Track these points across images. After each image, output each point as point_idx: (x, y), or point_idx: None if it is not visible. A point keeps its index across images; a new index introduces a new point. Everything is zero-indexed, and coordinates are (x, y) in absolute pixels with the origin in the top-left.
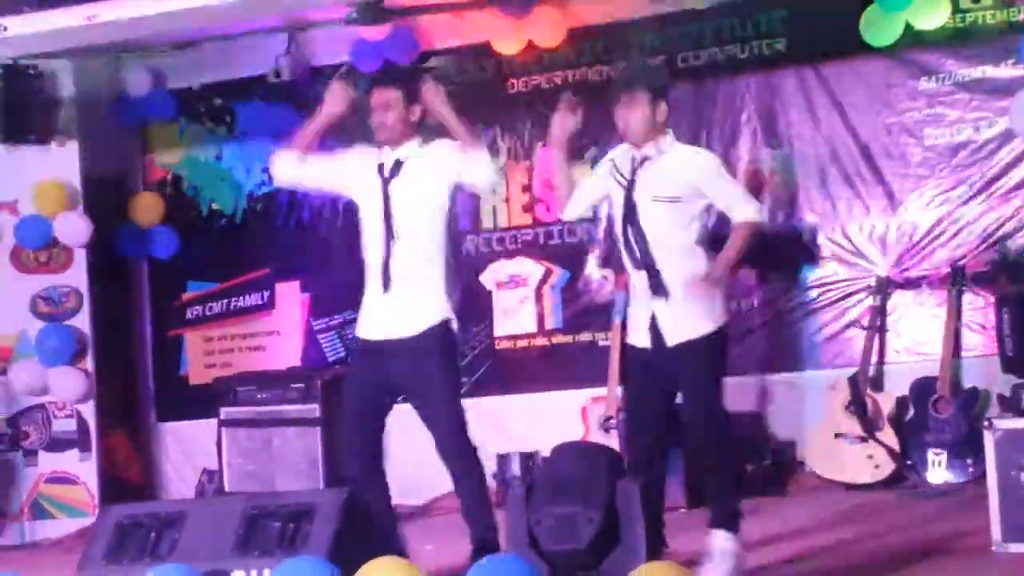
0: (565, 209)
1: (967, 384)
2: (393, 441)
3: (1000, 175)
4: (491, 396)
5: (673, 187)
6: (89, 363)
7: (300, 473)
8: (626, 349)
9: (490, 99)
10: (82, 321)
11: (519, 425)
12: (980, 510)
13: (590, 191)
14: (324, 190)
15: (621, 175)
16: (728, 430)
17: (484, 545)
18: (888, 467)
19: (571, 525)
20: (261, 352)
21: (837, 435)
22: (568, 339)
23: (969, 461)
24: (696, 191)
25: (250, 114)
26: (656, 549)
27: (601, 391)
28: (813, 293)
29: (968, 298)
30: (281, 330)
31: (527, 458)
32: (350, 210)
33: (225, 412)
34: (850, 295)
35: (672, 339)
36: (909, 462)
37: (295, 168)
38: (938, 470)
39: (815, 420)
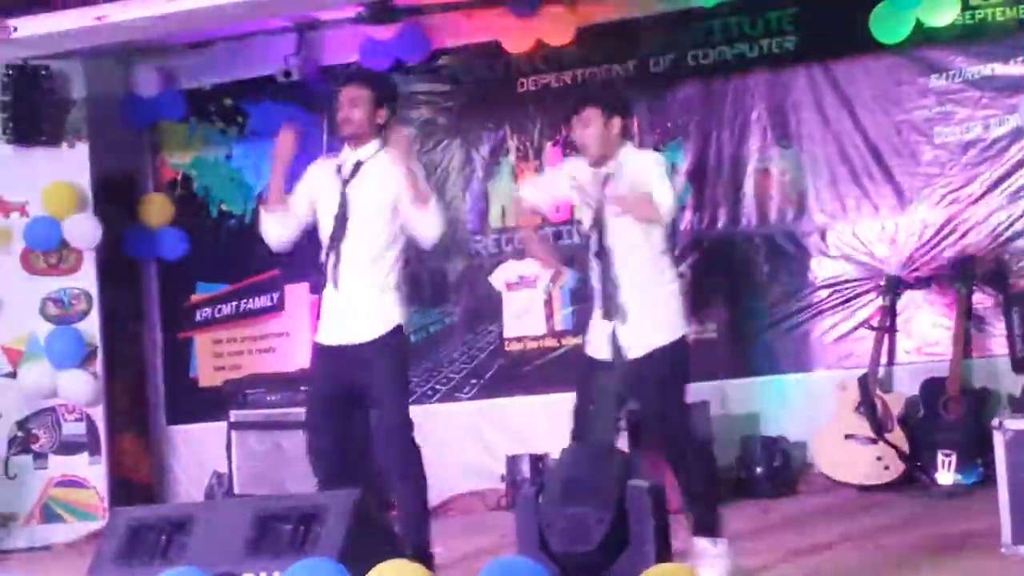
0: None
1: (977, 385)
2: None
3: (1010, 173)
4: (501, 397)
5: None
6: (99, 366)
7: (309, 476)
8: (585, 360)
9: (499, 98)
10: (92, 323)
11: (529, 426)
12: (989, 512)
13: (552, 185)
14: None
15: (586, 194)
16: (691, 438)
17: (418, 556)
18: (897, 468)
19: (581, 526)
20: (271, 354)
21: (847, 436)
22: (578, 340)
23: (979, 462)
24: (647, 181)
25: (260, 114)
26: (665, 551)
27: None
28: (822, 293)
29: (978, 298)
30: (291, 332)
31: (537, 459)
32: None
33: (235, 415)
34: (859, 295)
35: (633, 352)
36: (918, 463)
37: (286, 225)
38: (947, 471)
39: (824, 421)
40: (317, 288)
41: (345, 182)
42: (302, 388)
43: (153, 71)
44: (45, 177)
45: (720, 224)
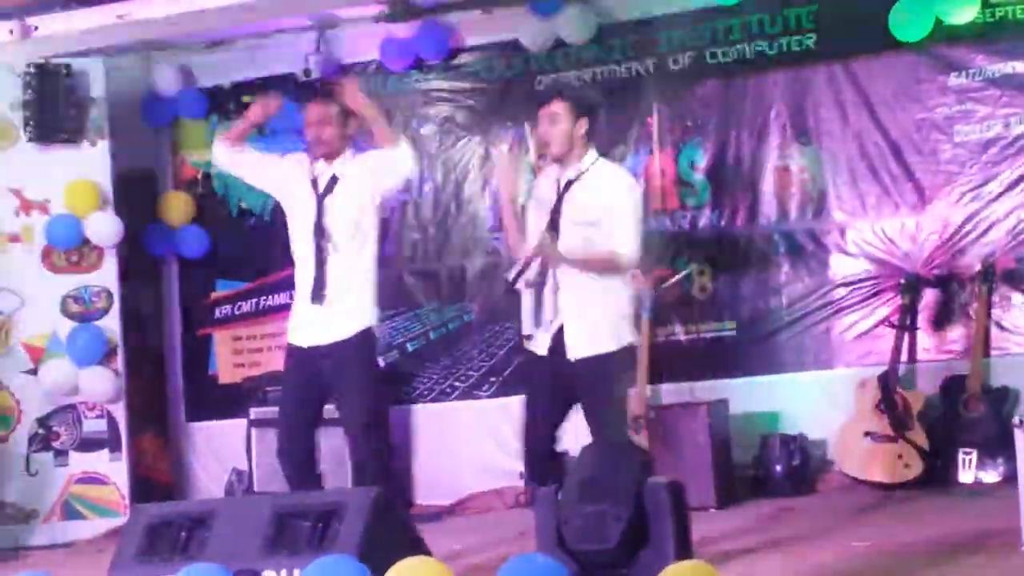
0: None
1: (997, 383)
2: (420, 443)
3: None
4: (518, 395)
5: (594, 211)
6: (119, 363)
7: (329, 472)
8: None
9: (519, 96)
10: (112, 321)
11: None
12: (1010, 510)
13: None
14: (256, 186)
15: (545, 202)
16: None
17: None
18: (918, 466)
19: (600, 524)
20: None
21: (867, 434)
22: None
23: (999, 460)
24: (611, 214)
25: (281, 113)
26: (684, 549)
27: (629, 390)
28: (842, 291)
29: (998, 296)
30: None
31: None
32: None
33: (254, 412)
34: (879, 293)
35: (575, 353)
36: (939, 461)
37: (227, 156)
38: (968, 469)
39: (844, 419)
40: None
41: (321, 196)
42: None
43: (173, 69)
44: (66, 175)
45: (739, 222)
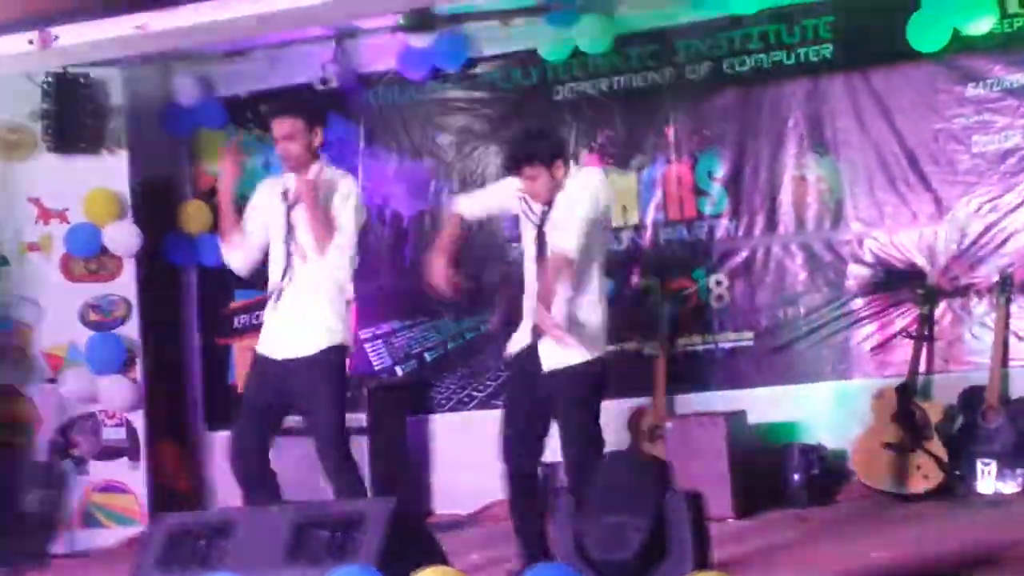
0: (461, 202)
1: (1016, 394)
2: (439, 452)
3: None
4: None
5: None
6: (138, 372)
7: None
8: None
9: (535, 106)
10: (131, 330)
11: None
12: None
13: (493, 200)
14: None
15: (533, 212)
16: (599, 459)
17: None
18: (936, 477)
19: (619, 534)
20: None
21: (885, 445)
22: (614, 348)
23: (1019, 471)
24: (568, 207)
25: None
26: (703, 559)
27: (647, 400)
28: (859, 301)
29: (1017, 307)
30: None
31: None
32: (397, 219)
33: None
34: (897, 303)
35: (549, 364)
36: (958, 472)
37: (243, 257)
38: (987, 480)
39: (862, 429)
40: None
41: (290, 208)
42: None
43: (192, 79)
44: (85, 184)
45: (757, 231)
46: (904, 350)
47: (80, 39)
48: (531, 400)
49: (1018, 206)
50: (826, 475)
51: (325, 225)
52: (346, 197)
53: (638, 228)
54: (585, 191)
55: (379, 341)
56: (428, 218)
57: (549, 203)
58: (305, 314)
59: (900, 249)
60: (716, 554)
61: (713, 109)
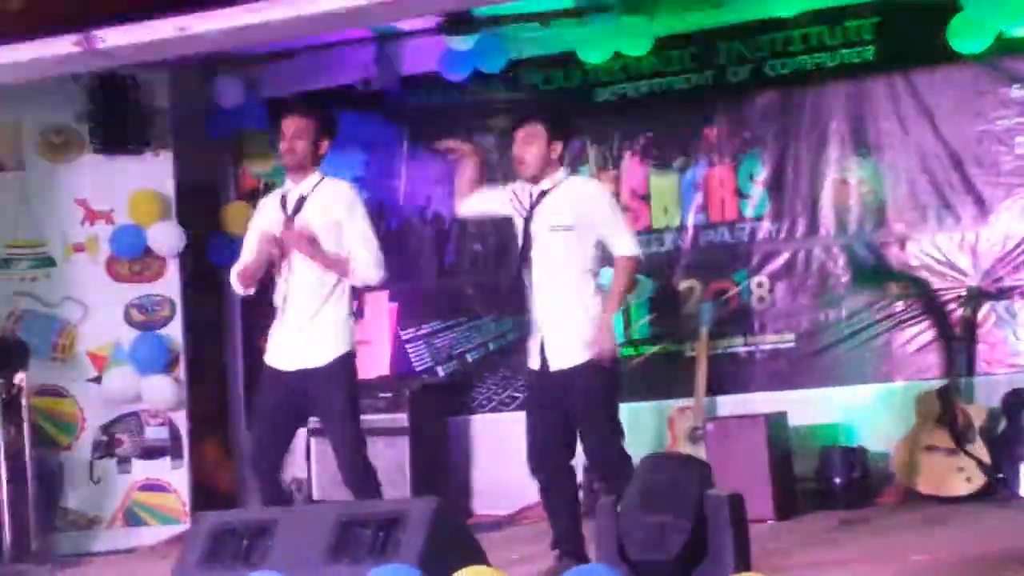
0: (461, 203)
1: None
2: (479, 453)
3: None
4: None
5: (569, 216)
6: (181, 371)
7: (388, 482)
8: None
9: (576, 108)
10: (175, 330)
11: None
12: None
13: (489, 201)
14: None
15: (521, 206)
16: (621, 457)
17: None
18: (979, 480)
19: (660, 535)
20: None
21: (927, 447)
22: (655, 349)
23: None
24: (589, 220)
25: (340, 123)
26: (744, 561)
27: (688, 401)
28: (902, 303)
29: None
30: (370, 339)
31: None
32: (438, 220)
33: (313, 421)
34: (940, 305)
35: (556, 364)
36: (1000, 475)
37: (255, 279)
38: None
39: (905, 432)
40: (396, 296)
41: (289, 218)
42: (381, 395)
43: (235, 81)
44: (130, 185)
45: (798, 234)
46: (947, 353)
47: (125, 41)
48: (548, 398)
49: None
50: (867, 477)
51: (336, 265)
52: (351, 207)
53: (679, 230)
54: (606, 195)
55: (420, 341)
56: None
57: (534, 180)
58: (312, 325)
59: (943, 251)
60: (756, 556)
61: (754, 111)
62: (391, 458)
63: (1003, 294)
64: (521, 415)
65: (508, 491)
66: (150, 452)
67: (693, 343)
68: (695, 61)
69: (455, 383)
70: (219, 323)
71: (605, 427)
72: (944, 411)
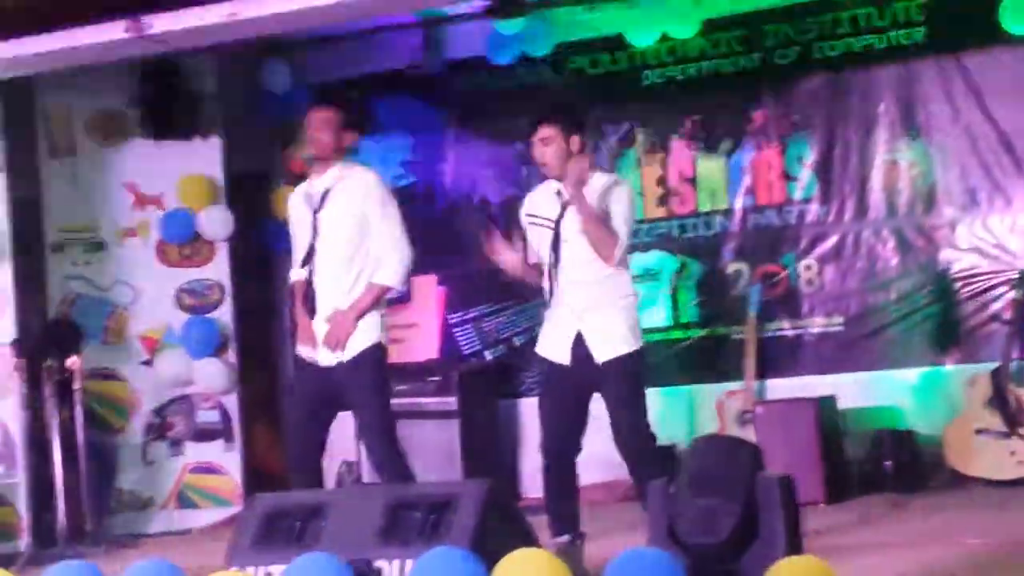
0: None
1: None
2: (527, 436)
3: None
4: None
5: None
6: (232, 355)
7: (438, 465)
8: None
9: (624, 91)
10: (225, 313)
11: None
12: None
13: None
14: None
15: (545, 220)
16: (654, 444)
17: None
18: None
19: (711, 518)
20: (399, 345)
21: (978, 431)
22: (703, 332)
23: None
24: (613, 217)
25: (387, 108)
26: (795, 543)
27: (736, 385)
28: (952, 286)
29: None
30: (419, 323)
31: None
32: (485, 204)
33: None
34: (991, 288)
35: (598, 357)
36: None
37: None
38: None
39: (955, 415)
40: (445, 280)
41: (315, 211)
42: (430, 378)
43: (283, 66)
44: (179, 170)
45: (847, 217)
46: (998, 335)
47: (174, 27)
48: (576, 395)
49: None
50: (918, 461)
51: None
52: (376, 199)
53: (727, 213)
54: (625, 194)
55: (468, 325)
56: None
57: (560, 178)
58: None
59: (993, 233)
60: (807, 538)
61: (802, 94)
62: (441, 441)
63: None
64: None
65: None
66: (202, 435)
67: (741, 326)
68: (743, 43)
69: (503, 366)
70: (268, 307)
71: (641, 416)
72: (995, 394)
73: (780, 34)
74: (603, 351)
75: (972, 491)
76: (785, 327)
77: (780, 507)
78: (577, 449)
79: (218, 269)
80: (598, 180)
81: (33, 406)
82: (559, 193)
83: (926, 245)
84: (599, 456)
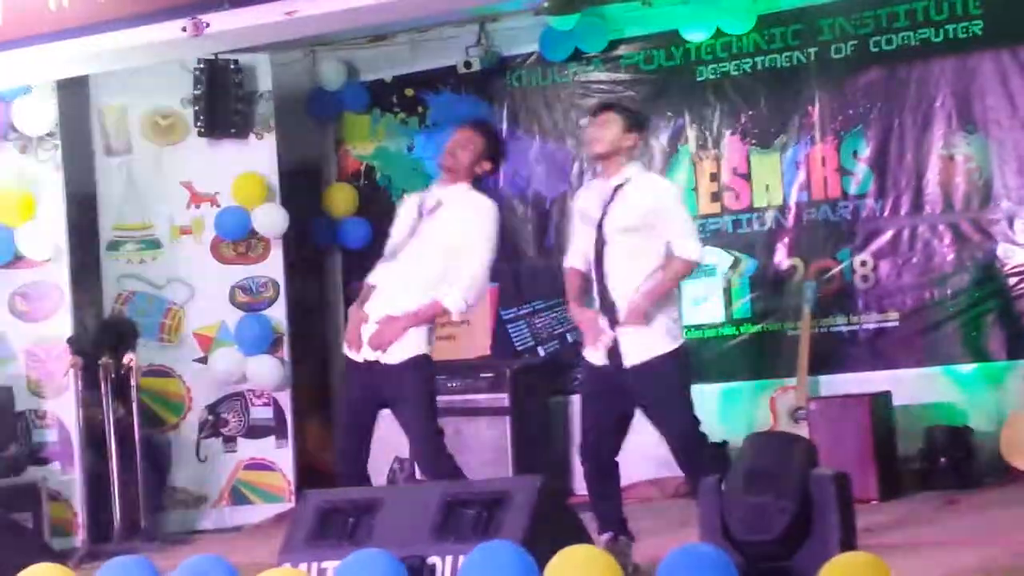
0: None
1: None
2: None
3: None
4: None
5: (638, 216)
6: (285, 352)
7: (490, 461)
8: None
9: (678, 88)
10: (279, 311)
11: (707, 414)
12: None
13: (580, 242)
14: None
15: (591, 215)
16: (701, 442)
17: None
18: None
19: (764, 515)
20: (451, 342)
21: None
22: (757, 328)
23: None
24: (657, 219)
25: (441, 105)
26: (849, 540)
27: (790, 381)
28: (1009, 281)
29: None
30: (470, 320)
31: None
32: (539, 201)
33: None
34: None
35: (631, 359)
36: None
37: None
38: None
39: (1013, 412)
40: (496, 276)
41: (420, 217)
42: (482, 375)
43: (337, 63)
44: (235, 168)
45: (903, 211)
46: None
47: (230, 26)
48: (613, 397)
49: None
50: (973, 458)
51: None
52: (479, 228)
53: (782, 208)
54: (674, 192)
55: (521, 322)
56: (569, 199)
57: (601, 158)
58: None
59: None
60: (861, 536)
61: (858, 88)
62: (493, 438)
63: None
64: None
65: None
66: (255, 431)
67: (796, 322)
68: (797, 38)
69: (555, 363)
70: (322, 304)
71: (686, 414)
72: None
73: (836, 28)
74: (634, 355)
75: None
76: (840, 323)
77: (835, 504)
78: (613, 452)
79: (272, 266)
80: (647, 180)
81: (89, 403)
82: (603, 192)
83: (982, 240)
84: (649, 453)
